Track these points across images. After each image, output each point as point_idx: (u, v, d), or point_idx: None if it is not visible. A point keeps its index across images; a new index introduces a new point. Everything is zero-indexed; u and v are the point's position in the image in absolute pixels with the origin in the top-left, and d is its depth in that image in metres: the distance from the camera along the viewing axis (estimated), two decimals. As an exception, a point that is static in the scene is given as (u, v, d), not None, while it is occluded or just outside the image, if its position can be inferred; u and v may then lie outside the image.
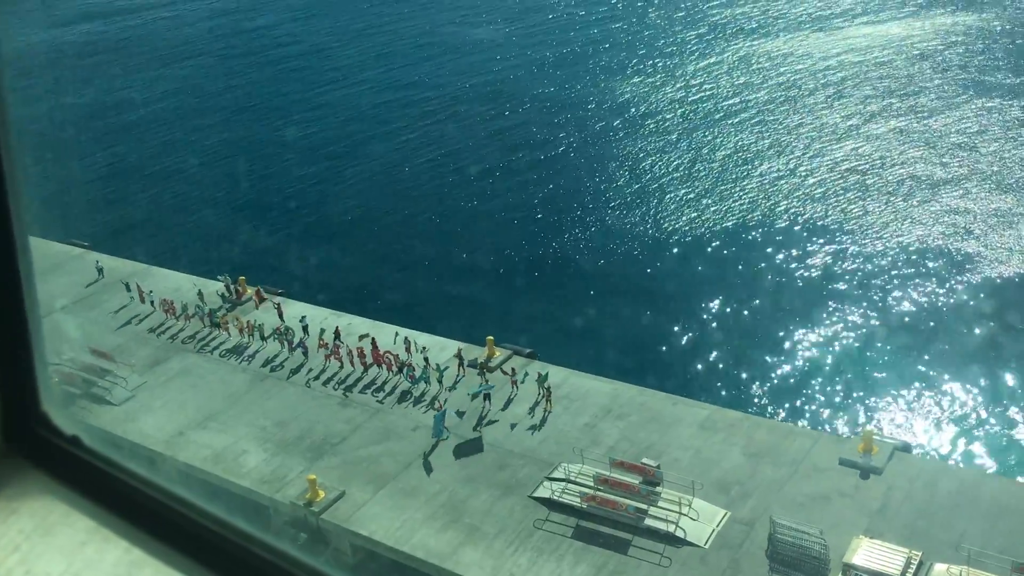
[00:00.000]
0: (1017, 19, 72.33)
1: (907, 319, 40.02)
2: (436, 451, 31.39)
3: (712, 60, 71.61)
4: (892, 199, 49.34)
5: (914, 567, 24.55)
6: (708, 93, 65.71)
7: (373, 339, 36.32)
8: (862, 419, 33.78)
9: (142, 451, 32.54)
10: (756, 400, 36.60)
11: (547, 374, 33.57)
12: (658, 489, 28.14)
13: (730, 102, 63.83)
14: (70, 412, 2.34)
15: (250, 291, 42.13)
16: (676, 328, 41.34)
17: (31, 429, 2.83)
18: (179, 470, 31.56)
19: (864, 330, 39.64)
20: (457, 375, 35.15)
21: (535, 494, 29.01)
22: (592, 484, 28.56)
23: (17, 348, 2.82)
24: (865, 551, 24.89)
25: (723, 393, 35.91)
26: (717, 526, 27.11)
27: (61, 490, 2.68)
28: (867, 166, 52.96)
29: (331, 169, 60.80)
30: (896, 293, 42.06)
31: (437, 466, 30.76)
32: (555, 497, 28.65)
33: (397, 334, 36.58)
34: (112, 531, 2.53)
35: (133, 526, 2.53)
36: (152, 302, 41.24)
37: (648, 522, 27.24)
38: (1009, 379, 35.58)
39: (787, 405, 36.29)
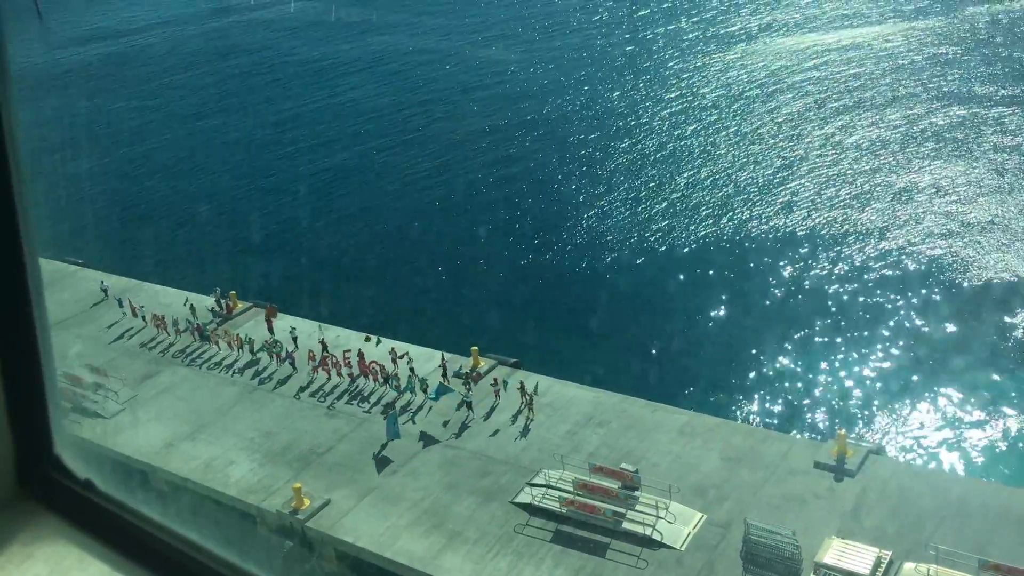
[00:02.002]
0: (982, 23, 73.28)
1: (883, 326, 40.62)
2: (418, 457, 32.00)
3: (685, 67, 72.56)
4: (865, 206, 50.17)
5: (884, 566, 25.07)
6: (685, 103, 66.59)
7: (360, 350, 36.96)
8: (837, 424, 34.26)
9: (133, 463, 33.12)
10: (735, 406, 37.16)
11: (536, 384, 34.24)
12: (636, 493, 28.68)
13: (700, 111, 64.72)
14: (83, 455, 2.81)
15: (241, 305, 42.80)
16: (658, 337, 41.96)
17: (44, 472, 2.81)
18: (168, 481, 32.12)
19: (841, 337, 40.24)
20: (445, 383, 35.70)
21: (516, 500, 29.55)
22: (572, 489, 29.10)
23: (30, 391, 2.80)
24: (836, 551, 25.40)
25: (703, 400, 36.44)
26: (693, 528, 27.63)
27: (75, 534, 2.67)
28: (845, 174, 53.75)
29: (319, 186, 61.56)
30: (872, 300, 42.73)
31: (421, 473, 31.33)
32: (536, 502, 29.19)
33: (380, 343, 37.21)
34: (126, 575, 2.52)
35: (147, 570, 2.52)
36: (143, 317, 41.89)
37: (626, 525, 27.78)
38: (981, 384, 36.15)
39: (765, 410, 36.86)
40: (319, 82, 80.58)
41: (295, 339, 38.41)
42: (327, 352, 37.43)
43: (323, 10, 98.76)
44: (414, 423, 33.90)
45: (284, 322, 40.43)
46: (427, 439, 32.96)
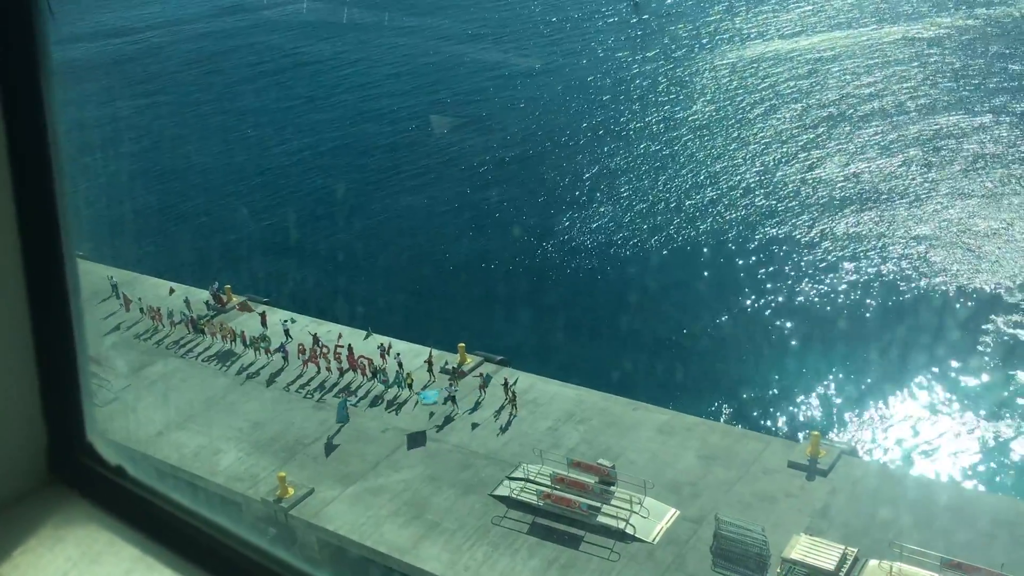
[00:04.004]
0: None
1: (861, 329, 41.29)
2: (401, 450, 32.72)
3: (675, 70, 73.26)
4: (842, 210, 51.02)
5: (849, 563, 25.68)
6: (678, 107, 67.27)
7: (349, 345, 37.66)
8: (813, 424, 34.89)
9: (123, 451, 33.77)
10: (715, 406, 37.80)
11: (517, 380, 34.95)
12: (612, 488, 29.32)
13: (694, 114, 65.41)
14: (114, 443, 2.92)
15: (235, 299, 43.55)
16: (643, 337, 42.61)
17: (76, 458, 2.84)
18: (156, 468, 32.82)
19: (820, 340, 40.90)
20: (428, 380, 36.41)
21: (495, 492, 30.21)
22: (549, 483, 29.76)
23: (64, 377, 2.82)
24: (803, 547, 26.01)
25: (683, 399, 37.05)
26: (666, 523, 28.26)
27: (106, 519, 2.70)
28: (828, 179, 54.46)
29: (316, 184, 62.36)
30: (852, 303, 43.47)
31: (403, 466, 32.01)
32: (514, 495, 29.84)
33: (368, 336, 37.95)
34: (157, 560, 2.55)
35: (178, 555, 2.55)
36: (141, 309, 42.63)
37: (600, 519, 28.42)
38: (956, 388, 36.79)
39: (743, 411, 37.50)
40: (319, 80, 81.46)
41: (287, 332, 39.10)
42: (318, 346, 38.13)
43: (332, 10, 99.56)
44: (396, 416, 34.59)
45: (277, 316, 41.12)
46: (411, 432, 33.62)
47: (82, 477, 2.82)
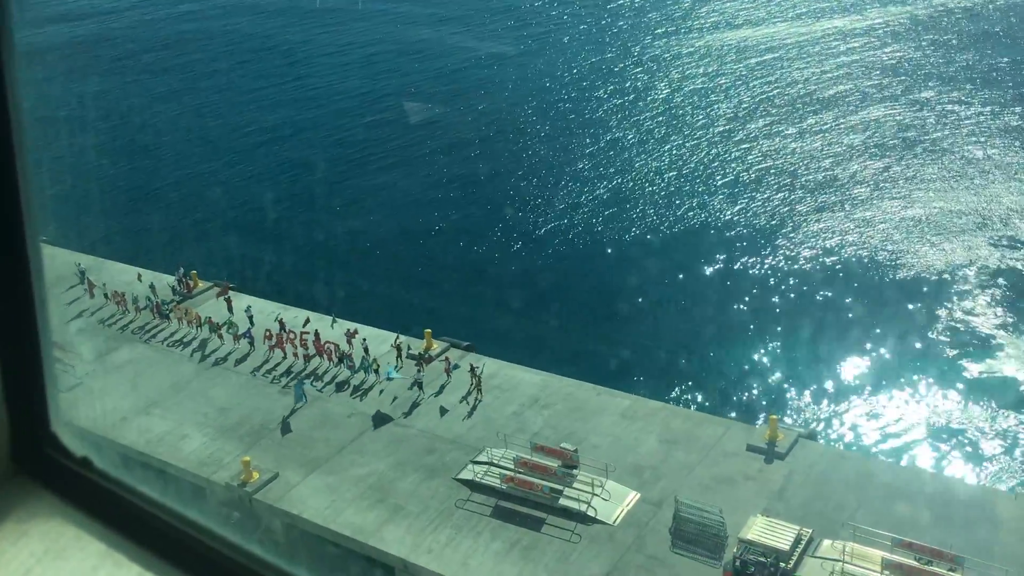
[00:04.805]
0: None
1: (820, 315, 42.02)
2: (366, 435, 32.95)
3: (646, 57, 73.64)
4: (809, 199, 51.72)
5: (804, 543, 26.23)
6: (648, 95, 67.69)
7: (316, 331, 37.72)
8: (772, 409, 35.47)
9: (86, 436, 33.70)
10: (677, 391, 38.33)
11: (484, 365, 35.22)
12: (574, 472, 29.69)
13: (657, 101, 65.87)
14: (80, 432, 2.83)
15: (201, 284, 43.43)
16: (607, 324, 43.04)
17: (40, 449, 2.76)
18: (119, 453, 32.77)
19: (781, 325, 41.57)
20: (395, 366, 36.55)
21: (459, 476, 30.50)
22: (513, 467, 30.08)
23: (27, 366, 2.74)
24: (760, 528, 26.53)
25: (646, 384, 37.55)
26: (627, 506, 28.70)
27: (71, 512, 2.62)
28: (792, 166, 55.14)
29: (285, 170, 62.16)
30: (811, 290, 44.22)
31: (368, 451, 32.20)
32: (477, 479, 30.15)
33: (335, 323, 38.06)
34: (123, 555, 2.47)
35: (144, 549, 2.48)
36: (106, 295, 42.40)
37: (562, 502, 28.79)
38: (911, 372, 37.58)
39: (705, 396, 38.07)
40: (291, 65, 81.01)
41: (251, 318, 39.07)
42: (284, 331, 38.16)
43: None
44: (362, 401, 34.77)
45: (243, 302, 41.07)
46: (376, 417, 33.82)
47: (46, 469, 2.74)
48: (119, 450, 32.15)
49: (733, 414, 35.98)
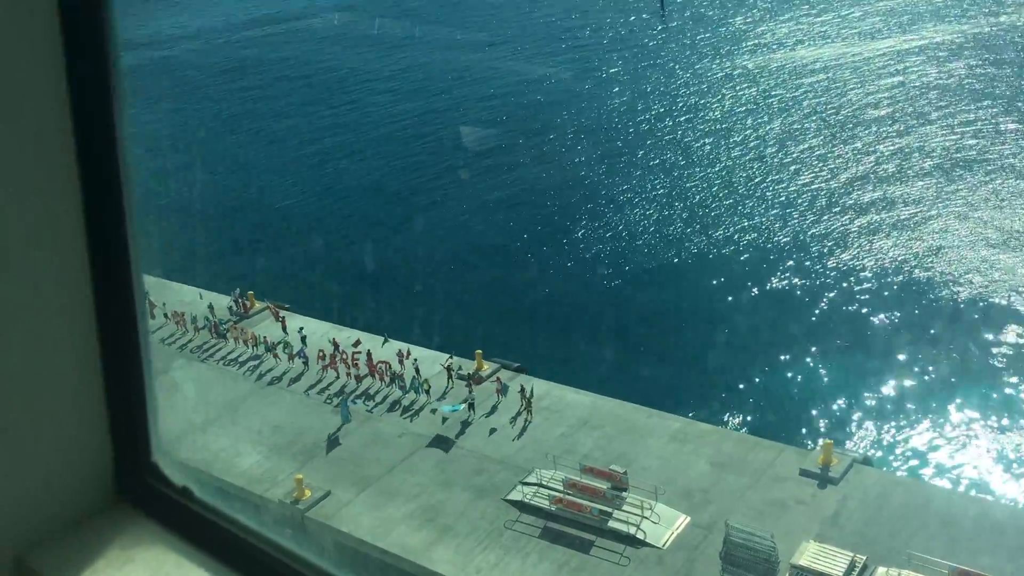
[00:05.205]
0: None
1: (878, 338, 41.32)
2: (417, 454, 33.21)
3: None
4: (862, 218, 51.09)
5: (857, 570, 25.79)
6: (706, 113, 67.47)
7: (368, 351, 38.24)
8: (825, 433, 34.99)
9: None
10: (729, 413, 37.98)
11: (532, 387, 35.35)
12: (624, 494, 29.60)
13: (713, 122, 65.58)
14: (179, 462, 2.95)
15: (258, 305, 44.33)
16: (659, 345, 42.86)
17: (142, 479, 2.83)
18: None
19: (836, 348, 40.97)
20: (447, 386, 36.89)
21: (508, 497, 30.60)
22: (562, 488, 30.09)
23: (131, 396, 2.79)
24: (812, 554, 26.18)
25: (698, 406, 37.27)
26: (677, 529, 28.51)
27: (173, 540, 2.68)
28: (852, 186, 54.50)
29: (339, 191, 63.16)
30: (869, 312, 43.51)
31: (418, 470, 32.47)
32: (527, 500, 30.21)
33: (386, 342, 38.52)
34: None
35: None
36: (166, 315, 43.45)
37: (611, 524, 28.70)
38: (973, 398, 36.72)
39: (757, 419, 37.60)
40: (346, 91, 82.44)
41: (304, 338, 39.72)
42: (337, 351, 38.73)
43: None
44: (412, 422, 35.11)
45: (296, 322, 41.78)
46: (427, 437, 34.09)
47: (148, 497, 2.81)
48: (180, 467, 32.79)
49: (785, 438, 35.53)
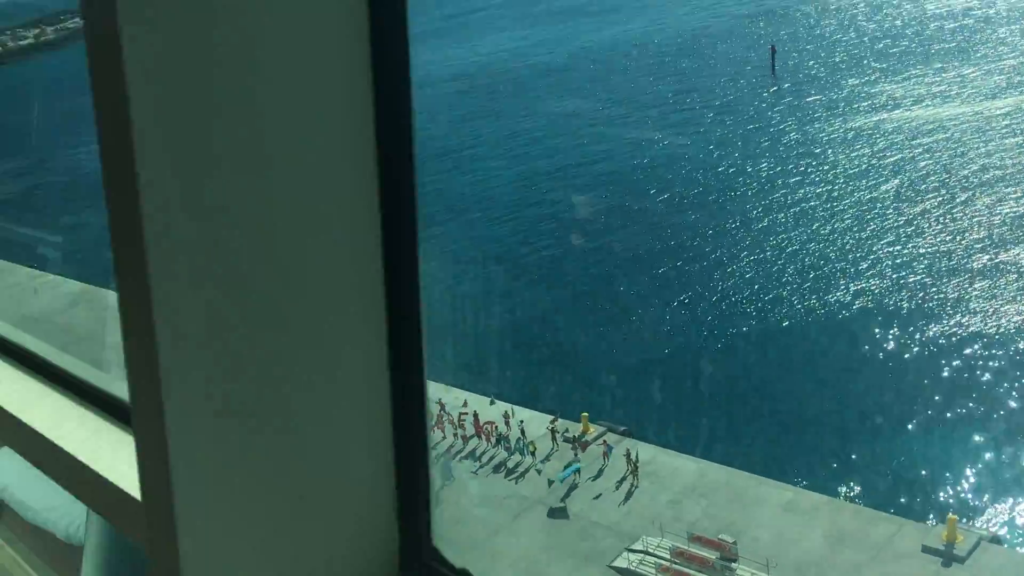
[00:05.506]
0: None
1: (1007, 407, 39.27)
2: (521, 517, 33.06)
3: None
4: (980, 280, 48.97)
5: (987, 656, 24.29)
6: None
7: (475, 412, 38.54)
8: (951, 508, 33.27)
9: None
10: (844, 484, 36.54)
11: (638, 451, 34.97)
12: (733, 565, 28.81)
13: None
14: (458, 544, 3.00)
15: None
16: (771, 411, 41.76)
17: (424, 562, 2.84)
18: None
19: (964, 418, 39.08)
20: (551, 449, 36.79)
21: (614, 564, 30.13)
22: (669, 557, 29.48)
23: (418, 475, 2.81)
24: (937, 638, 24.80)
25: (812, 475, 36.02)
26: (789, 604, 27.48)
27: None
28: (955, 247, 52.47)
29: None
30: (992, 378, 41.47)
31: (523, 533, 32.31)
32: (632, 568, 29.70)
33: (493, 403, 38.78)
34: None
35: None
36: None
37: (720, 596, 27.91)
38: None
39: (876, 491, 36.04)
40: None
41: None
42: (443, 411, 39.13)
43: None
44: (517, 484, 35.05)
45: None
46: (533, 500, 33.95)
47: None
48: None
49: (906, 512, 33.95)
